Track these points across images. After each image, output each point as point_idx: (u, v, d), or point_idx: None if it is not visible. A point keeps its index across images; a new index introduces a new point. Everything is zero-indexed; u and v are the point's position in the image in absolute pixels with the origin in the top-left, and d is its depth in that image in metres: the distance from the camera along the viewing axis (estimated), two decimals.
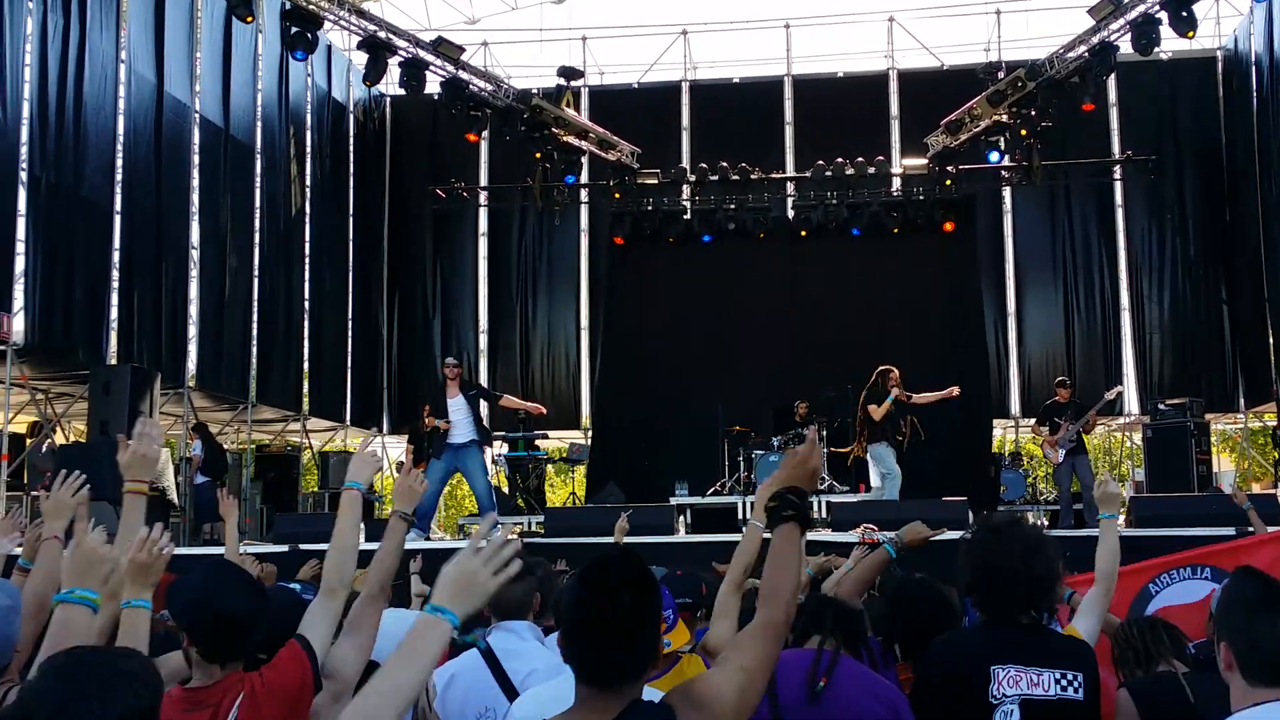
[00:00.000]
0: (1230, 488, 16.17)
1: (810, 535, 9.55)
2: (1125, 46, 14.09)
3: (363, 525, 3.98)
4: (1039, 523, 14.99)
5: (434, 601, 2.15)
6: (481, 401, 11.51)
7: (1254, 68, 17.92)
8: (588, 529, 10.23)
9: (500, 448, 15.46)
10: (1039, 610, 3.01)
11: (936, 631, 3.63)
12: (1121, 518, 15.20)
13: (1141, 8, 13.39)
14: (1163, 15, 13.17)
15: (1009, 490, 15.58)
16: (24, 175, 12.51)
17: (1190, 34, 13.32)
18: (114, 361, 13.55)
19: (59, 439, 13.83)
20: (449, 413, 11.06)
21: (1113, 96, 19.37)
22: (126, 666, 2.15)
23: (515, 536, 11.09)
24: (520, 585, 3.84)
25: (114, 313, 14.06)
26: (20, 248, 12.56)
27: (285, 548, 9.70)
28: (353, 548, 3.33)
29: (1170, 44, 15.53)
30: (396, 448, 19.77)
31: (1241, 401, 18.83)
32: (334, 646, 3.13)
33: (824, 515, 12.82)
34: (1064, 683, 2.86)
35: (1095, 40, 14.12)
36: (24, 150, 12.53)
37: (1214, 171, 19.23)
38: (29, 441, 14.14)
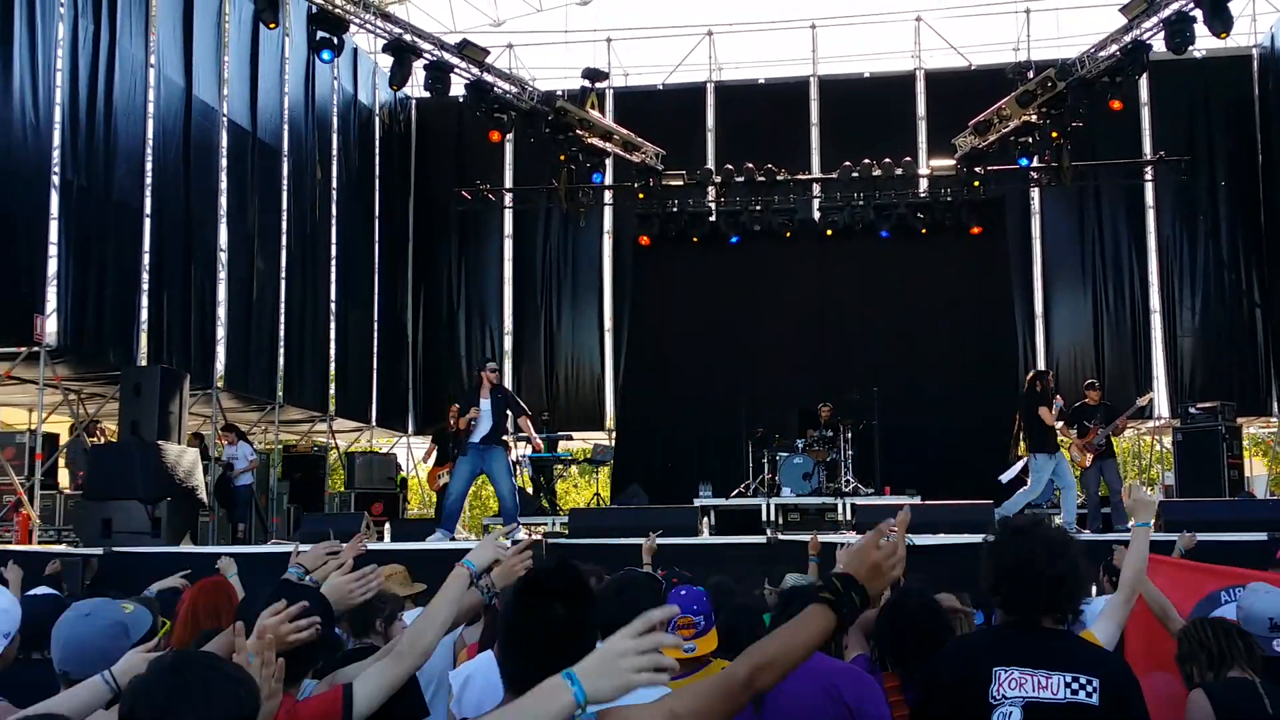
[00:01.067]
0: (1263, 492, 15.99)
1: (834, 537, 9.46)
2: (1158, 45, 13.91)
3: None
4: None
5: (572, 669, 1.96)
6: (508, 410, 11.52)
7: None
8: (611, 530, 10.22)
9: (524, 449, 15.48)
10: (1062, 612, 2.96)
11: (927, 641, 3.60)
12: (1152, 524, 15.01)
13: (1175, 5, 13.19)
14: (1197, 13, 12.96)
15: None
16: (56, 179, 12.63)
17: (1224, 34, 13.11)
18: (144, 363, 13.65)
19: (88, 440, 13.94)
20: (481, 417, 11.05)
21: (1144, 96, 19.18)
22: (230, 670, 2.17)
23: (539, 537, 11.11)
24: None
25: (144, 314, 14.17)
26: (52, 250, 12.69)
27: (308, 547, 9.73)
28: (441, 624, 3.16)
29: (1204, 42, 15.33)
30: (421, 448, 19.81)
31: (1274, 405, 18.60)
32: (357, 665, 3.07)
33: (848, 517, 12.77)
34: (1075, 686, 2.79)
35: (1127, 39, 13.96)
36: (56, 154, 12.64)
37: (1247, 172, 19.01)
38: (62, 441, 14.31)
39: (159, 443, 11.42)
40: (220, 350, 15.83)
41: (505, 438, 11.51)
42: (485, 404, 11.01)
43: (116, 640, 3.14)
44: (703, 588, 3.86)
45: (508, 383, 20.02)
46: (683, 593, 3.63)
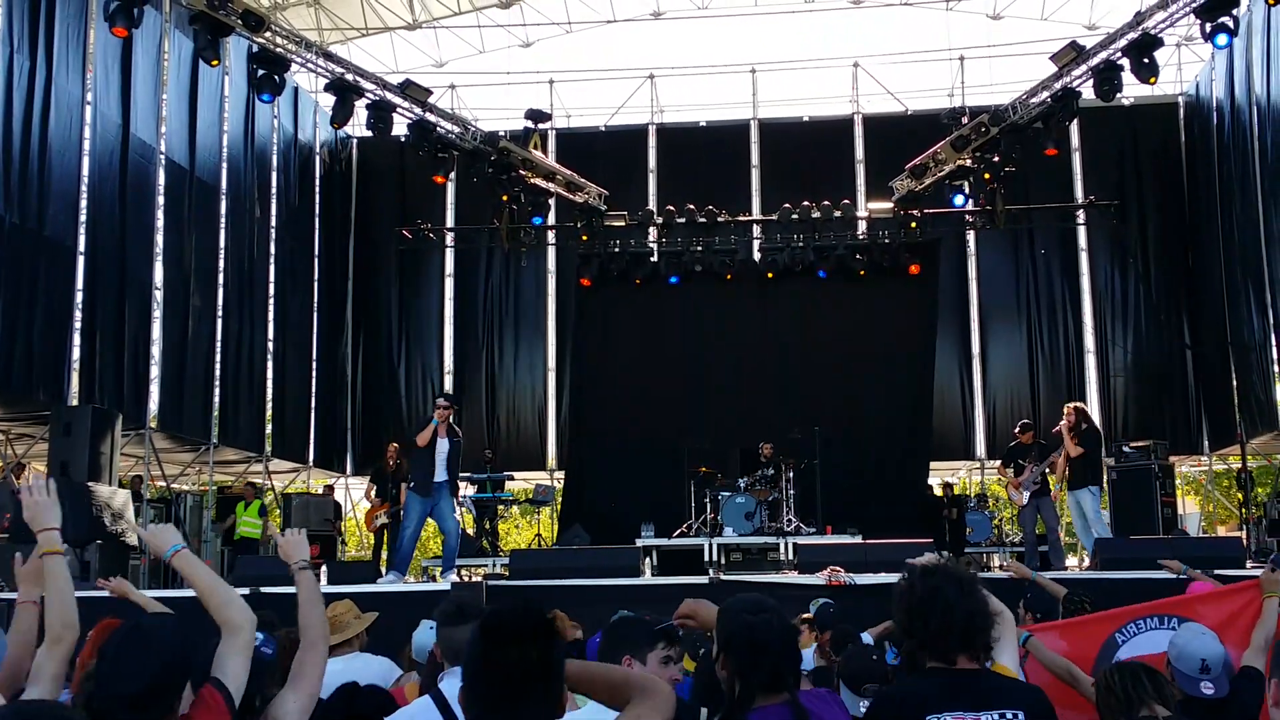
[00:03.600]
0: (1195, 530, 16.27)
1: (775, 577, 9.50)
2: (1088, 92, 14.27)
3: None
4: (1005, 565, 15.03)
5: None
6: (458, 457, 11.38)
7: (1215, 114, 18.21)
8: (552, 571, 10.13)
9: (467, 489, 15.33)
10: (975, 648, 2.98)
11: (869, 680, 3.60)
12: (1074, 561, 15.12)
13: (1104, 54, 13.57)
14: (1125, 62, 13.33)
15: (975, 532, 15.61)
16: None
17: (1152, 80, 13.48)
18: (75, 402, 13.38)
19: (15, 481, 13.59)
20: (435, 452, 10.87)
21: (1075, 141, 19.65)
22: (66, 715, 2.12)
23: (480, 579, 10.99)
24: (471, 629, 3.78)
25: (75, 353, 13.90)
26: None
27: (246, 590, 9.55)
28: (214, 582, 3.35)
29: (1132, 89, 15.75)
30: (358, 490, 19.58)
31: (1206, 444, 18.98)
32: (277, 697, 3.07)
33: (791, 557, 12.78)
34: None
35: (1058, 86, 14.30)
36: None
37: (1176, 216, 19.51)
38: None
39: (89, 484, 11.18)
40: (154, 389, 15.56)
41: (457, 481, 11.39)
42: (444, 444, 10.86)
43: None
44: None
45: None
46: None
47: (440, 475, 10.87)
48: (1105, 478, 12.29)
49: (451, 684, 3.53)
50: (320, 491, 19.90)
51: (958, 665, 2.92)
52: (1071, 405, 12.33)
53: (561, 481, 18.89)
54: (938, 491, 17.10)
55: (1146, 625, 5.63)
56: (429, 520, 11.16)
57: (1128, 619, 5.65)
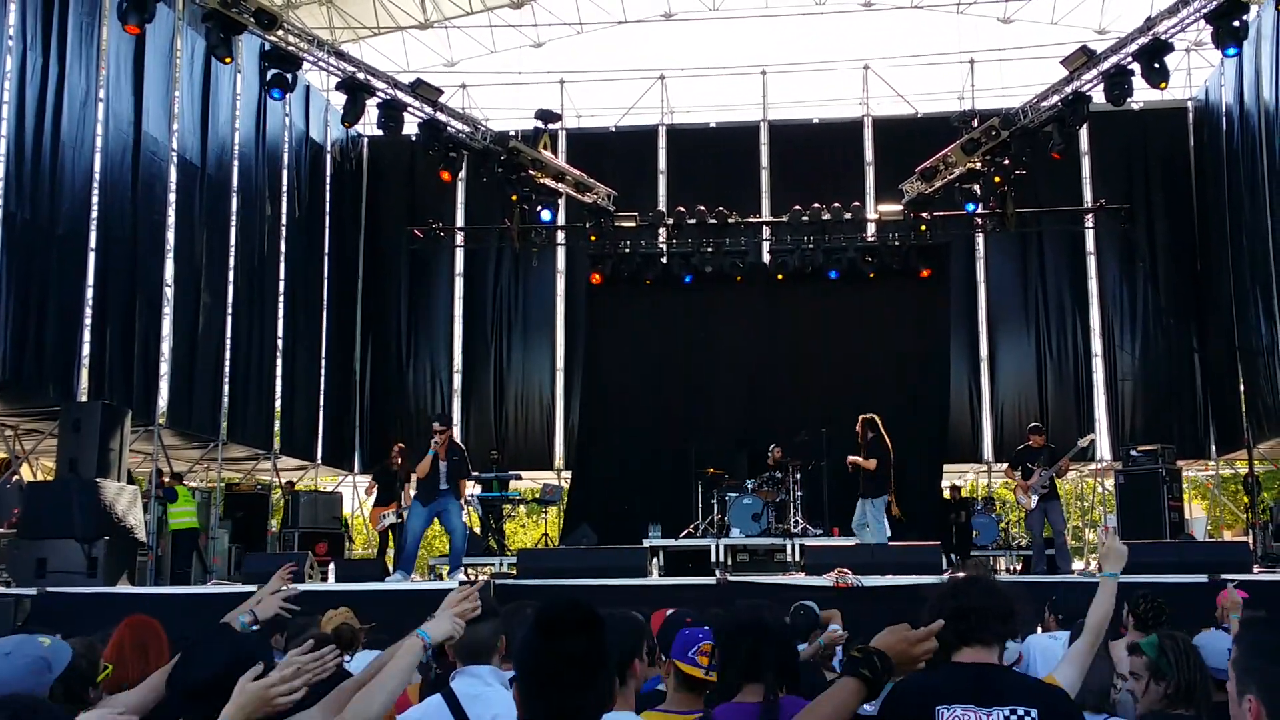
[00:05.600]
0: (1202, 534, 16.24)
1: (782, 579, 9.51)
2: (1098, 96, 14.26)
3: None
4: (1012, 568, 15.05)
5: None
6: (463, 470, 11.41)
7: (1224, 119, 18.21)
8: (560, 571, 10.16)
9: (473, 489, 15.36)
10: (985, 639, 2.98)
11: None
12: (1081, 565, 15.16)
13: (1115, 59, 13.56)
14: (1135, 66, 13.33)
15: (981, 535, 15.62)
16: None
17: (1163, 85, 13.47)
18: (85, 398, 13.42)
19: (26, 475, 13.65)
20: (439, 472, 10.92)
21: (1085, 145, 19.65)
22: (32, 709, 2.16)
23: (487, 579, 11.01)
24: (485, 627, 3.79)
25: (86, 349, 13.95)
26: None
27: (253, 587, 9.58)
28: (391, 693, 3.07)
29: (1142, 94, 15.76)
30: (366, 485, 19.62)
31: (1213, 449, 18.95)
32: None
33: (798, 559, 12.79)
34: (1014, 719, 2.84)
35: (1068, 90, 14.30)
36: (0, 186, 12.47)
37: (1185, 221, 19.48)
38: None
39: (97, 480, 11.21)
40: (163, 386, 15.61)
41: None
42: (444, 466, 10.91)
43: (40, 675, 3.09)
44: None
45: (456, 417, 19.91)
46: (686, 632, 3.62)
47: (443, 485, 10.93)
48: (892, 488, 12.60)
49: (463, 683, 3.56)
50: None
51: (969, 659, 2.93)
52: (862, 417, 12.56)
53: (568, 481, 18.91)
54: (945, 494, 17.11)
55: None
56: (436, 520, 11.20)
57: None
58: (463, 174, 16.92)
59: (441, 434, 10.98)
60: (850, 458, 12.41)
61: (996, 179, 16.03)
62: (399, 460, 14.54)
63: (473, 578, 12.10)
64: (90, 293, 14.08)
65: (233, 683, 2.73)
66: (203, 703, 2.77)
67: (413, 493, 11.54)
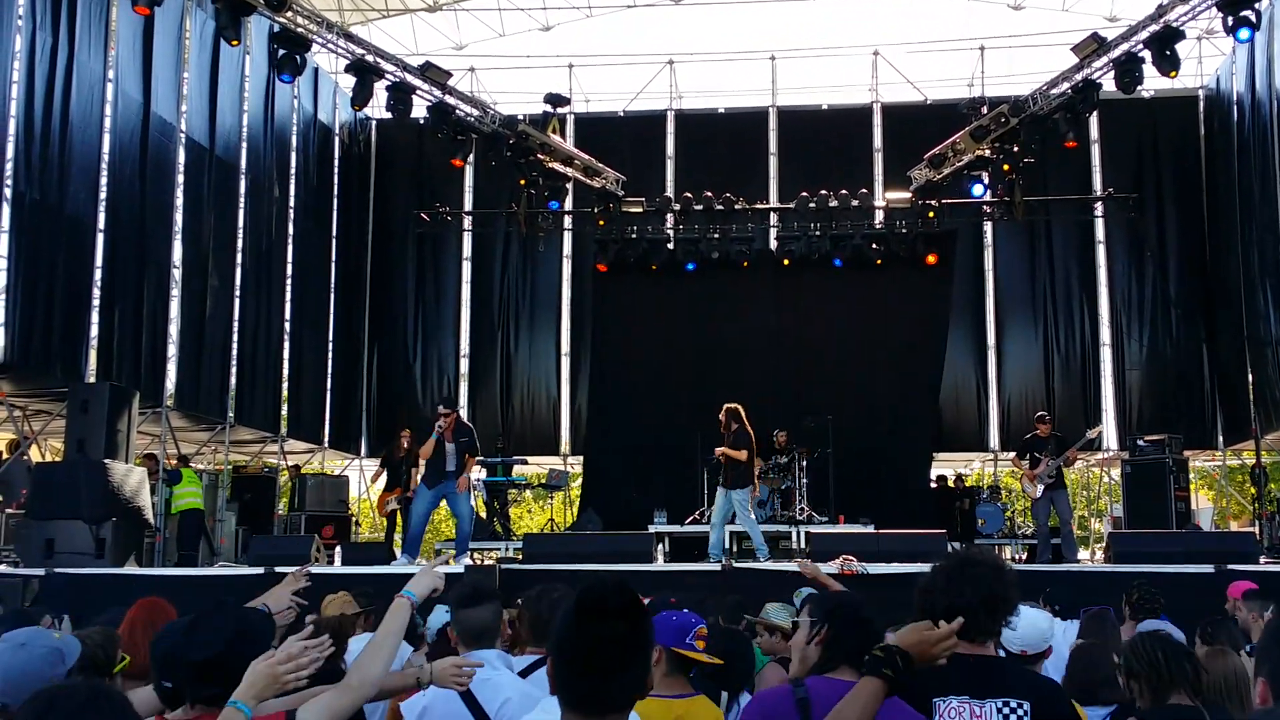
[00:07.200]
0: (1208, 525, 16.20)
1: (787, 565, 9.48)
2: (1108, 84, 14.20)
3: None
4: (1018, 557, 15.03)
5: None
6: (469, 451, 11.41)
7: (1235, 108, 18.11)
8: (566, 555, 10.18)
9: (479, 473, 15.39)
10: (986, 631, 2.98)
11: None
12: (1086, 554, 15.09)
13: (1125, 46, 13.50)
14: (1146, 54, 13.28)
15: (987, 524, 15.61)
16: (8, 191, 12.46)
17: (1173, 73, 13.41)
18: (92, 379, 13.44)
19: (35, 456, 13.69)
20: (444, 454, 10.92)
21: (1095, 133, 19.55)
22: (103, 694, 2.17)
23: (493, 562, 11.05)
24: (486, 610, 3.80)
25: (94, 330, 13.97)
26: (2, 264, 12.51)
27: (260, 570, 9.62)
28: (388, 655, 3.15)
29: (1153, 82, 15.67)
30: (373, 470, 19.68)
31: (1220, 439, 18.93)
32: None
33: (802, 546, 12.80)
34: (1006, 711, 2.86)
35: (1078, 78, 14.24)
36: (8, 166, 12.47)
37: (1194, 210, 19.40)
38: (4, 458, 14.01)
39: (105, 461, 11.25)
40: (171, 368, 15.63)
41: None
42: (451, 448, 10.93)
43: (55, 666, 3.11)
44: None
45: (463, 402, 19.92)
46: (674, 617, 3.60)
47: (450, 467, 10.96)
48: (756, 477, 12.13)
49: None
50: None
51: (966, 651, 2.93)
52: (726, 407, 12.01)
53: (577, 466, 18.94)
54: (950, 483, 17.10)
55: None
56: (442, 504, 11.23)
57: None
58: (471, 158, 16.89)
59: (446, 417, 11.00)
60: (719, 449, 11.91)
61: (1005, 166, 15.98)
62: (404, 446, 14.58)
63: (479, 561, 12.14)
64: (99, 274, 14.08)
65: (239, 656, 2.74)
66: (210, 680, 2.76)
67: (419, 476, 11.56)
